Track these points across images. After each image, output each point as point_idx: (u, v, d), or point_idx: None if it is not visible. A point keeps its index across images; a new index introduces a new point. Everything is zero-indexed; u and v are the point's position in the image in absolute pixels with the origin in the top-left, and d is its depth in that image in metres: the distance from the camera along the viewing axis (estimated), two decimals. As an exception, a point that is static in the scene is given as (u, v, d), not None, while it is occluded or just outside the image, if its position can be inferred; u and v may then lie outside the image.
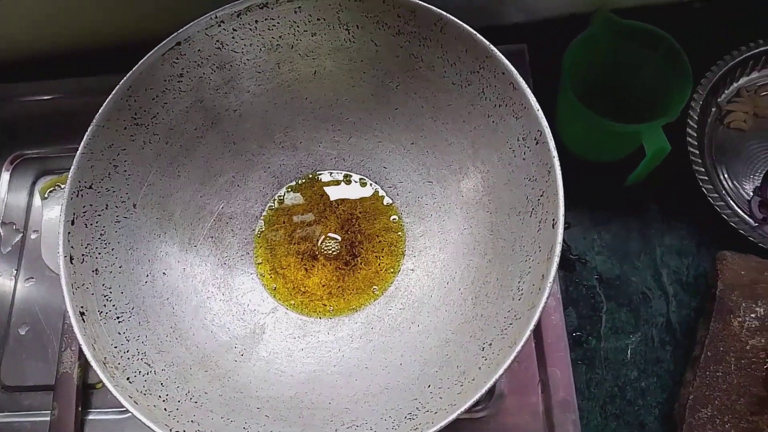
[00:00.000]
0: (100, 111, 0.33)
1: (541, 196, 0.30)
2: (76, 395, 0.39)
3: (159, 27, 0.45)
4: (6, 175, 0.48)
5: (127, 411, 0.39)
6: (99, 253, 0.33)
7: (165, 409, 0.29)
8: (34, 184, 0.48)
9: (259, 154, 0.41)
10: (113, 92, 0.34)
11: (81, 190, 0.33)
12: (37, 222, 0.46)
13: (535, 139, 0.31)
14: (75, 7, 0.47)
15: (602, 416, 0.40)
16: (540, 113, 0.30)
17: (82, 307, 0.30)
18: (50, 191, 0.46)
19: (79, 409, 0.39)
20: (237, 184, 0.41)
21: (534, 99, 0.31)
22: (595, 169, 0.46)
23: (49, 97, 0.50)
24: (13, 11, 0.47)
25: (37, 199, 0.47)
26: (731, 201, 0.45)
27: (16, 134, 0.49)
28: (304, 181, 0.43)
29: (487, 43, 0.32)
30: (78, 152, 0.33)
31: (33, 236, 0.46)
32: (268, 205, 0.42)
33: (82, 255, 0.32)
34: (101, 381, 0.39)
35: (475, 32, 0.32)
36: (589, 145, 0.46)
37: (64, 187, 0.45)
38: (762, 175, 0.45)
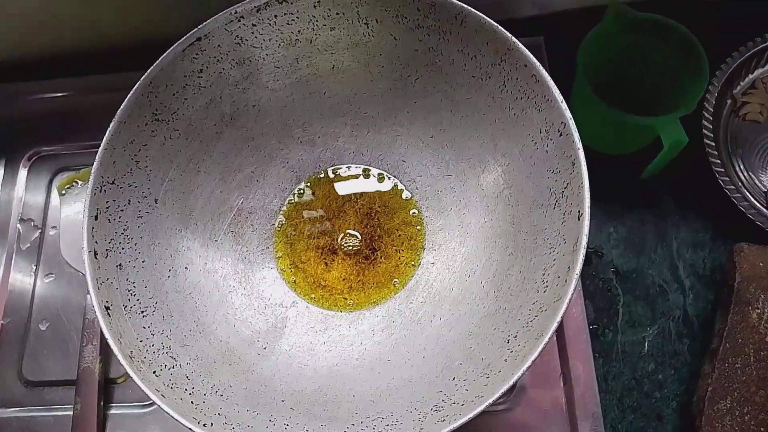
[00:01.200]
0: (121, 107, 0.34)
1: (566, 188, 0.30)
2: (98, 390, 0.39)
3: (173, 24, 0.45)
4: (23, 173, 0.48)
5: (149, 405, 0.40)
6: (122, 248, 0.33)
7: (192, 402, 0.29)
8: (51, 180, 0.48)
9: (278, 149, 0.41)
10: (134, 88, 0.34)
11: (104, 186, 0.33)
12: (55, 218, 0.46)
13: (559, 131, 0.31)
14: (89, 5, 0.47)
15: (619, 409, 0.40)
16: (564, 105, 0.30)
17: (107, 301, 0.30)
18: (68, 187, 0.46)
19: (101, 403, 0.39)
20: (256, 179, 0.41)
21: (557, 91, 0.31)
22: (610, 161, 0.46)
23: (64, 94, 0.50)
24: (29, 10, 0.47)
25: (54, 196, 0.47)
26: (747, 193, 0.45)
27: (32, 132, 0.49)
28: (323, 175, 0.43)
29: (509, 34, 0.32)
30: (100, 148, 0.33)
31: (51, 232, 0.46)
32: (288, 199, 0.42)
33: (106, 250, 0.32)
34: (122, 376, 0.41)
35: (496, 24, 0.32)
36: (604, 138, 0.46)
37: (82, 184, 0.46)
38: (778, 166, 0.46)
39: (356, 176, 0.43)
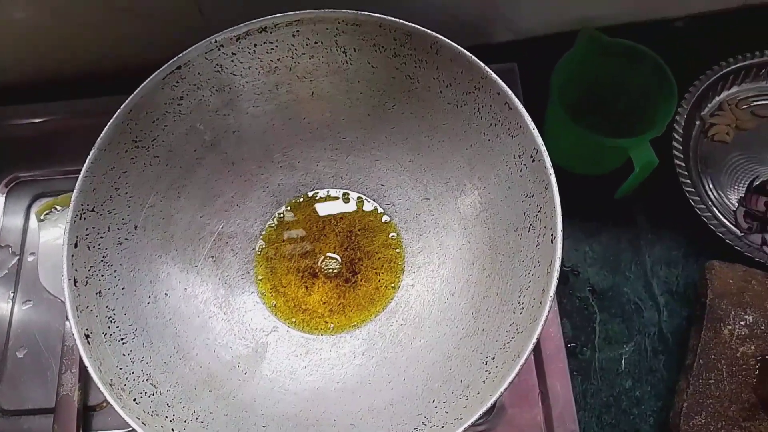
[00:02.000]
0: (101, 135, 0.34)
1: (539, 212, 0.31)
2: (77, 417, 0.39)
3: (152, 50, 0.45)
4: (1, 198, 0.48)
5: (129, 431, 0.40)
6: (102, 276, 0.33)
7: (172, 430, 0.29)
8: (29, 206, 0.47)
9: (258, 174, 0.42)
10: (114, 116, 0.34)
11: (83, 213, 0.33)
12: (33, 244, 0.46)
13: (532, 157, 0.32)
14: (68, 32, 0.47)
15: (598, 426, 0.41)
16: (536, 132, 0.31)
17: (87, 329, 0.30)
18: (47, 213, 0.46)
19: (80, 431, 0.39)
20: (236, 204, 0.41)
21: (529, 118, 0.32)
22: (585, 182, 0.47)
23: (42, 120, 0.50)
24: (7, 36, 0.47)
25: (33, 222, 0.47)
26: (717, 211, 0.46)
27: (10, 157, 0.49)
28: (302, 199, 0.43)
29: (482, 64, 0.33)
30: (80, 176, 0.33)
31: (30, 259, 0.45)
32: (268, 223, 0.42)
33: (86, 278, 0.32)
34: (102, 402, 0.40)
35: (470, 54, 0.33)
36: (578, 159, 0.47)
37: (61, 209, 0.46)
38: (746, 185, 0.47)
39: (336, 198, 0.43)
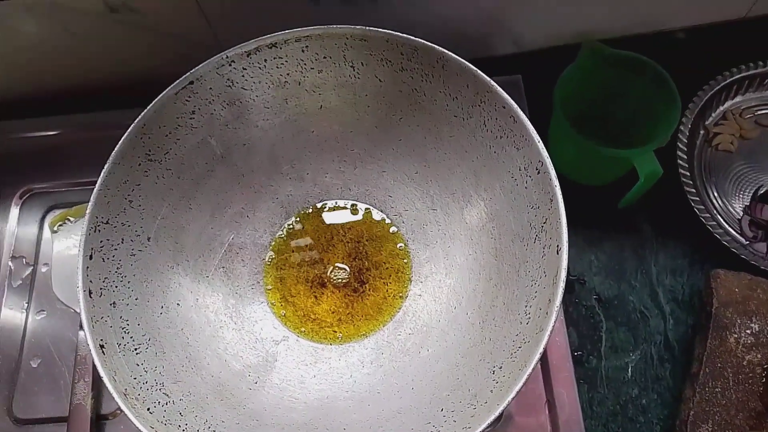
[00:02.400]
0: (116, 148, 0.34)
1: (545, 223, 0.32)
2: (90, 427, 0.39)
3: (161, 64, 0.46)
4: (15, 210, 0.49)
5: (141, 441, 0.40)
6: (116, 287, 0.34)
7: (185, 439, 0.30)
8: (43, 217, 0.48)
9: (268, 185, 0.42)
10: (128, 130, 0.35)
11: (98, 226, 0.33)
12: (47, 255, 0.46)
13: (537, 169, 0.32)
14: (77, 47, 0.48)
15: (606, 434, 0.41)
16: (541, 145, 0.32)
17: (101, 339, 0.31)
18: (60, 224, 0.47)
19: (93, 440, 0.40)
20: (246, 215, 0.42)
21: (534, 131, 0.32)
22: (589, 191, 0.47)
23: (55, 133, 0.51)
24: (19, 50, 0.48)
25: (46, 233, 0.47)
26: (722, 220, 0.47)
27: (24, 169, 0.50)
28: (311, 210, 0.44)
29: (487, 78, 0.34)
30: (95, 189, 0.34)
31: (43, 269, 0.46)
32: (277, 234, 0.43)
33: (100, 289, 0.33)
34: (114, 412, 0.41)
35: (475, 69, 0.34)
36: (581, 170, 0.47)
37: (74, 220, 0.47)
38: (750, 194, 0.47)
39: (344, 209, 0.44)
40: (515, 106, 0.32)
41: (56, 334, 0.44)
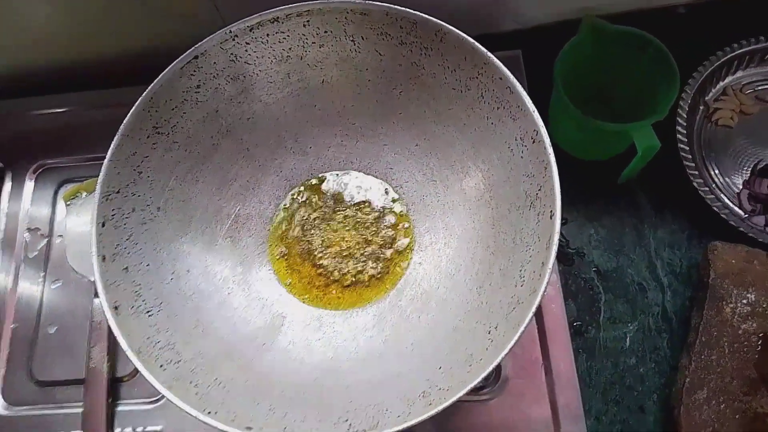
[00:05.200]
0: (124, 121, 0.36)
1: (539, 190, 0.33)
2: (106, 388, 0.41)
3: (167, 41, 0.47)
4: (30, 184, 0.50)
5: (154, 401, 0.42)
6: (128, 253, 0.35)
7: (196, 394, 0.31)
8: (56, 191, 0.50)
9: (272, 159, 0.43)
10: (136, 104, 0.36)
11: (109, 195, 0.35)
12: (61, 227, 0.48)
13: (532, 138, 0.33)
14: (85, 26, 0.49)
15: (603, 402, 0.42)
16: (536, 114, 0.33)
17: (116, 301, 0.32)
18: (73, 198, 0.48)
19: (109, 400, 0.41)
20: (251, 187, 0.43)
21: (530, 101, 0.33)
22: (590, 167, 0.48)
23: (66, 110, 0.53)
24: (29, 30, 0.49)
25: (60, 206, 0.49)
26: (721, 194, 0.47)
27: (37, 145, 0.51)
28: (315, 181, 0.45)
29: (485, 50, 0.34)
30: (105, 160, 0.35)
31: (58, 241, 0.48)
32: (282, 205, 0.44)
33: (113, 254, 0.34)
34: (128, 374, 0.43)
35: (473, 41, 0.35)
36: (582, 145, 0.48)
37: (86, 194, 0.48)
38: (750, 168, 0.48)
39: (346, 182, 0.45)
40: (511, 77, 0.33)
41: (72, 301, 0.45)
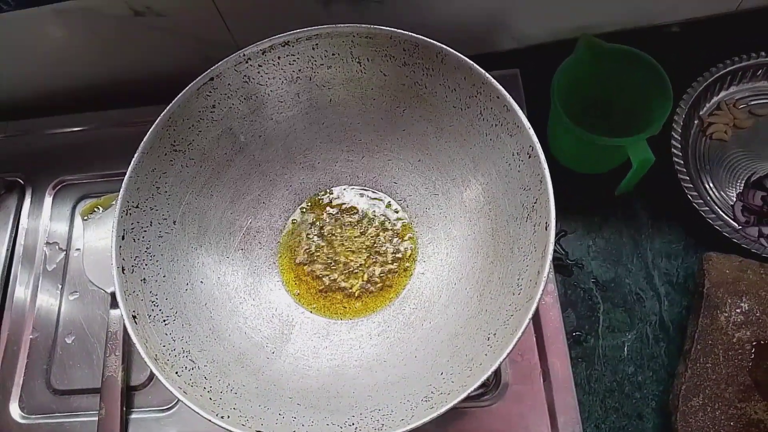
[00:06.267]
0: (144, 139, 0.38)
1: (535, 203, 0.34)
2: (121, 396, 0.42)
3: (182, 64, 0.49)
4: (49, 200, 0.52)
5: (167, 409, 0.43)
6: (146, 265, 0.37)
7: (210, 399, 0.33)
8: (74, 207, 0.52)
9: (282, 174, 0.45)
10: (155, 122, 0.38)
11: (129, 210, 0.37)
12: (78, 241, 0.50)
13: (528, 154, 0.35)
14: (101, 48, 0.51)
15: (602, 409, 0.43)
16: (531, 131, 0.34)
17: (134, 311, 0.34)
18: (90, 213, 0.50)
19: (124, 408, 0.43)
20: (262, 201, 0.45)
21: (525, 118, 0.35)
22: (588, 180, 0.49)
23: (84, 128, 0.55)
24: (48, 52, 0.51)
25: (78, 221, 0.51)
26: (715, 206, 0.48)
27: (56, 163, 0.53)
28: (323, 194, 0.47)
29: (483, 71, 0.36)
30: (126, 176, 0.37)
31: (75, 254, 0.50)
32: (291, 218, 0.46)
33: (132, 266, 0.36)
34: (143, 383, 0.44)
35: (472, 62, 0.36)
36: (580, 159, 0.49)
37: (103, 209, 0.50)
38: (743, 181, 0.49)
39: (352, 196, 0.47)
40: (508, 95, 0.35)
41: (88, 312, 0.47)
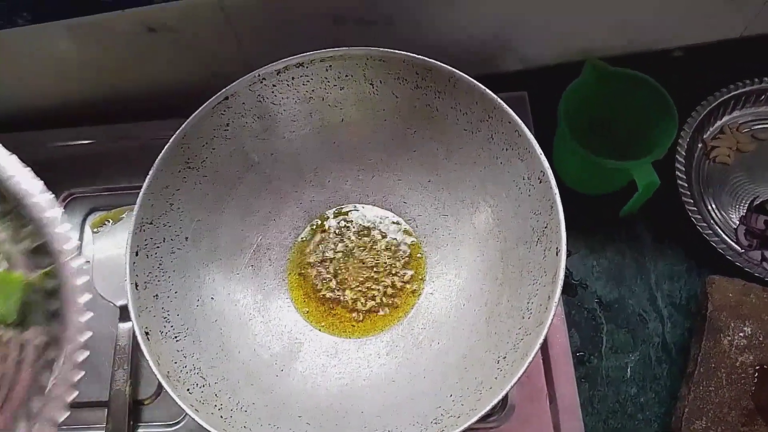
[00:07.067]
0: (159, 156, 0.38)
1: (546, 227, 0.35)
2: (128, 410, 0.42)
3: (192, 80, 0.50)
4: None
5: (173, 424, 0.44)
6: (159, 281, 0.37)
7: (221, 417, 0.33)
8: (84, 220, 0.52)
9: (292, 191, 0.46)
10: (170, 140, 0.38)
11: (143, 226, 0.37)
12: (88, 254, 0.50)
13: (539, 179, 0.35)
14: (116, 63, 0.52)
15: (605, 430, 0.43)
16: (542, 157, 0.35)
17: (146, 327, 0.34)
18: (100, 226, 0.50)
19: (131, 423, 0.43)
20: (273, 218, 0.45)
21: (537, 144, 0.35)
22: (592, 201, 0.50)
23: (94, 141, 0.55)
24: (58, 65, 0.52)
25: (87, 234, 0.51)
26: (719, 229, 0.48)
27: (66, 175, 0.53)
28: (334, 212, 0.47)
29: (495, 96, 0.37)
30: (141, 193, 0.37)
31: (85, 267, 0.50)
32: (301, 236, 0.46)
33: (145, 282, 0.36)
34: (149, 397, 0.44)
35: (484, 87, 0.37)
36: (585, 180, 0.50)
37: (113, 222, 0.50)
38: (746, 204, 0.49)
39: (362, 215, 0.47)
40: (520, 121, 0.36)
41: (97, 325, 0.46)
